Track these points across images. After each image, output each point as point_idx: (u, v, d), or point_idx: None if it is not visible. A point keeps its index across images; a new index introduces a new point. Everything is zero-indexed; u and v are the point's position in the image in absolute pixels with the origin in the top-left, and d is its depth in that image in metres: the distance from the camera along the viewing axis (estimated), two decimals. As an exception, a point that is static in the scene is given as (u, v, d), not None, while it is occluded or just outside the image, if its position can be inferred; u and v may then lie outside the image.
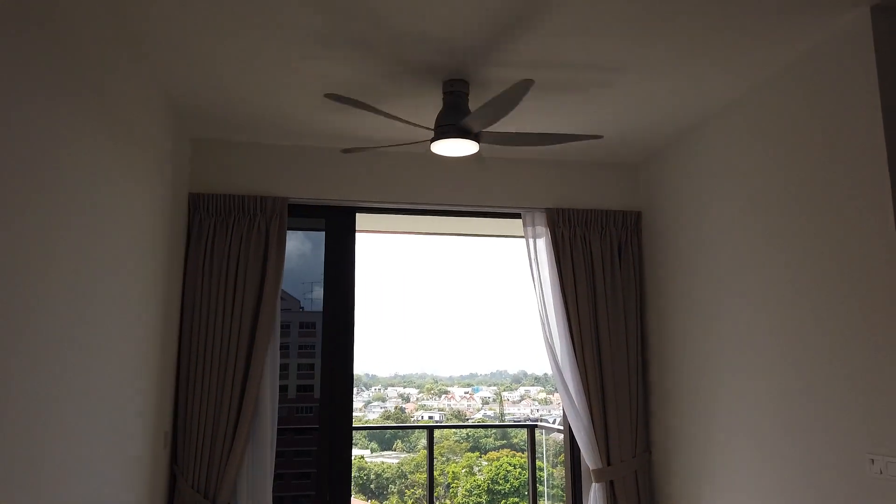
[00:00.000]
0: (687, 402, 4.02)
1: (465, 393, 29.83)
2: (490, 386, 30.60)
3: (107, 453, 2.82)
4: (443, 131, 3.22)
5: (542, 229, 4.46)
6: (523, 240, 4.50)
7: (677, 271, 4.18)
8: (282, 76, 3.37)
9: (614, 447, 4.26)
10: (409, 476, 26.28)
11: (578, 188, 4.60)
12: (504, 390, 29.98)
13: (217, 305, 3.94)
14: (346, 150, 3.54)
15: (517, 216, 4.54)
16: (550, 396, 29.53)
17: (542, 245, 4.45)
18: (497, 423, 26.71)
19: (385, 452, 27.45)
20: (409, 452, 26.54)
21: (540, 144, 3.04)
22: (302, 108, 3.74)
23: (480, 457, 25.11)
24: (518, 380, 30.97)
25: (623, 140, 4.25)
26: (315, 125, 3.99)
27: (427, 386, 30.46)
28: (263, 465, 3.93)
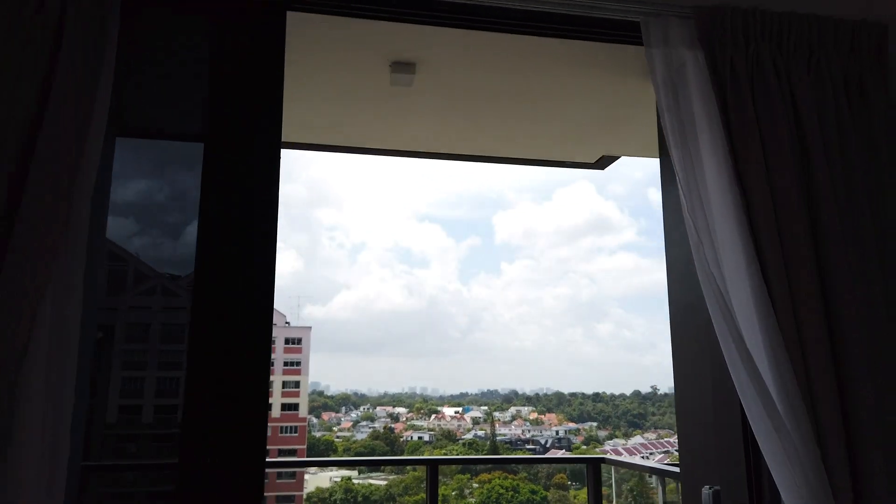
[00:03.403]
0: None
1: (456, 413, 27.49)
2: (481, 406, 28.27)
3: None
4: None
5: (688, 55, 1.95)
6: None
7: None
8: None
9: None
10: (397, 498, 23.79)
11: (758, -25, 2.10)
12: (495, 410, 27.63)
13: None
14: None
15: (631, 32, 1.99)
16: (542, 417, 27.22)
17: (690, 87, 1.95)
18: (489, 442, 24.14)
19: (373, 474, 25.06)
20: (397, 474, 24.11)
21: None
22: None
23: (471, 479, 22.63)
24: (509, 399, 28.76)
25: None
26: None
27: (416, 405, 28.10)
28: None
